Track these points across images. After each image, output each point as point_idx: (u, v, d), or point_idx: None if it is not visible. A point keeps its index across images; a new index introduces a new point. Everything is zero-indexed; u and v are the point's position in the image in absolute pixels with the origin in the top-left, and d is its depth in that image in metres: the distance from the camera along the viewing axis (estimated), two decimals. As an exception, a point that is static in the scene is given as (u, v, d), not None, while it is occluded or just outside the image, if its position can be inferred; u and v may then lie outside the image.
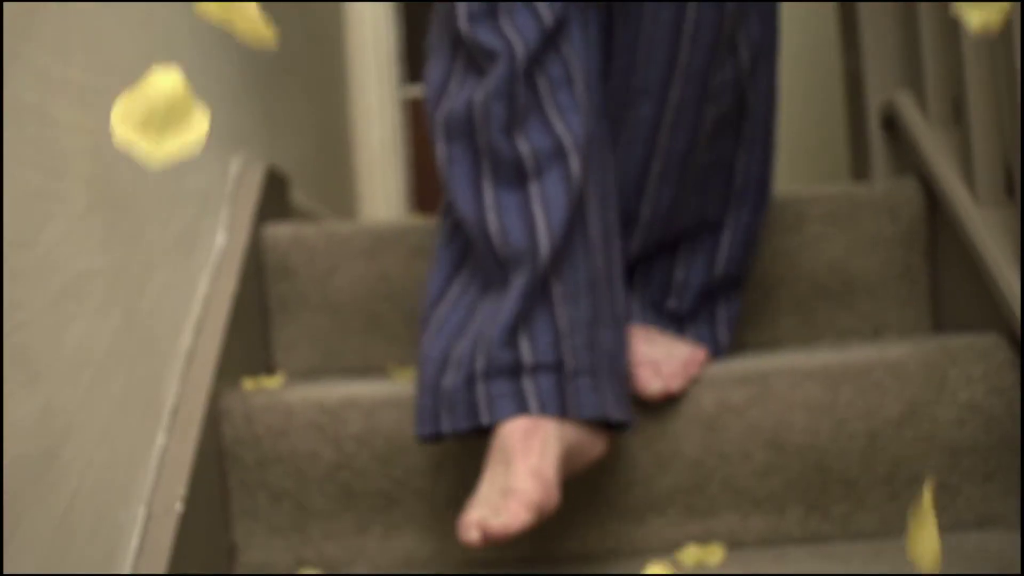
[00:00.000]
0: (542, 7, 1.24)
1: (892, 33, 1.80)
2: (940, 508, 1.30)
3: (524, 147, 1.21)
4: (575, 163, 1.20)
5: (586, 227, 1.21)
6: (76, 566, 0.97)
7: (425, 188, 3.93)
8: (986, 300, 1.39)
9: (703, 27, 1.27)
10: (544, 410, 1.14)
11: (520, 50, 1.22)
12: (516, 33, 1.23)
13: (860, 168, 1.92)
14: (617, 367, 1.21)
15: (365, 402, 1.31)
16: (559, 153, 1.20)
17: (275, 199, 1.71)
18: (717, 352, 1.38)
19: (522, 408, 1.14)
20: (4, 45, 0.91)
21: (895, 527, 1.30)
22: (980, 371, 1.31)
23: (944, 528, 1.30)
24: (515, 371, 1.15)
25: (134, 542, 1.10)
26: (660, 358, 1.30)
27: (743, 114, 1.34)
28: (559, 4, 1.25)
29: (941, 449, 1.30)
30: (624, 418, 1.20)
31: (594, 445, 1.19)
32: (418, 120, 4.07)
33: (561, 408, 1.14)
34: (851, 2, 1.89)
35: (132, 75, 1.20)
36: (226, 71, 1.58)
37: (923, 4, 1.63)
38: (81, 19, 1.07)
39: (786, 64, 1.88)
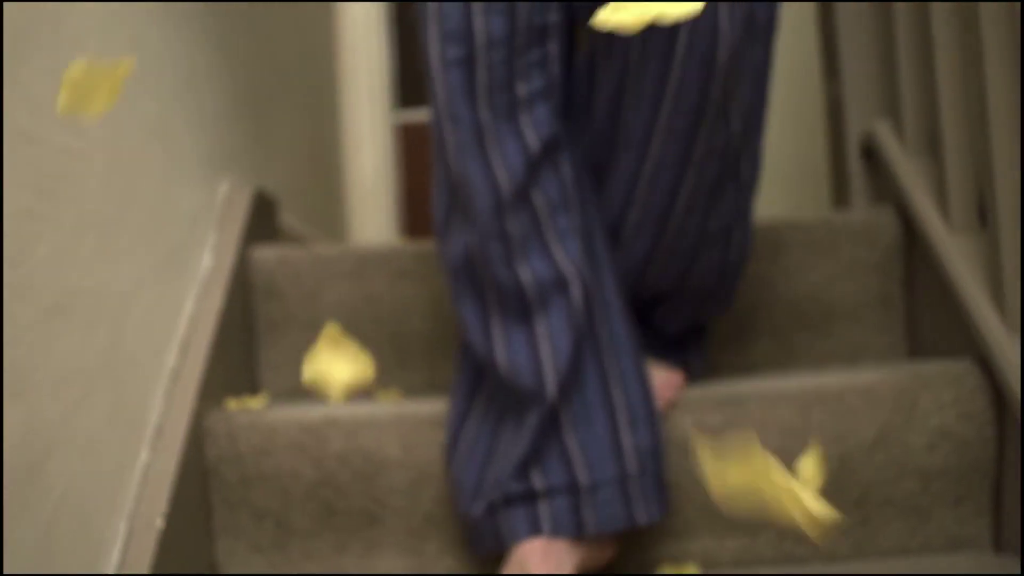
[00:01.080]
0: (529, 132, 1.24)
1: (871, 63, 1.83)
2: (911, 531, 1.32)
3: (526, 276, 1.23)
4: (576, 292, 1.23)
5: (596, 340, 1.24)
6: (62, 566, 0.99)
7: (416, 213, 3.96)
8: (959, 326, 1.41)
9: (687, 85, 1.21)
10: (558, 532, 1.20)
11: (505, 184, 1.23)
12: (503, 164, 1.23)
13: (840, 196, 1.95)
14: (656, 453, 1.24)
15: (346, 422, 1.33)
16: (560, 283, 1.23)
17: (263, 222, 1.74)
18: (691, 375, 1.41)
19: (536, 530, 1.20)
20: (4, 69, 0.94)
21: (867, 550, 1.32)
22: (951, 396, 1.33)
23: (916, 551, 1.32)
24: (530, 498, 1.21)
25: (115, 556, 1.12)
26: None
27: (738, 184, 1.31)
28: (547, 122, 1.25)
29: (912, 473, 1.32)
30: (652, 516, 1.23)
31: (606, 549, 1.24)
32: (410, 145, 4.10)
33: (576, 528, 1.20)
34: (831, 33, 1.92)
35: (121, 98, 1.23)
36: (214, 94, 1.61)
37: (901, 36, 1.66)
38: (72, 45, 1.10)
39: (772, 95, 1.91)
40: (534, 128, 1.25)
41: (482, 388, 1.29)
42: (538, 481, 1.21)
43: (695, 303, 1.36)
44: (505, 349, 1.23)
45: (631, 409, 1.24)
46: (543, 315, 1.23)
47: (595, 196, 1.30)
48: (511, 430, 1.23)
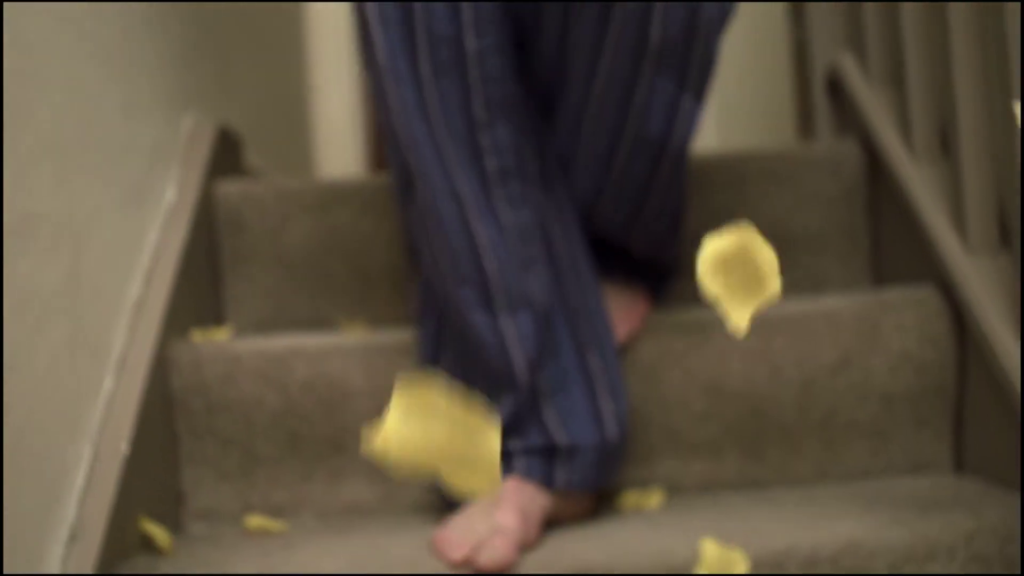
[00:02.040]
0: (477, 88, 1.21)
1: (837, -2, 1.83)
2: (874, 453, 1.34)
3: (481, 238, 1.21)
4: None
5: (566, 306, 1.24)
6: (23, 496, 0.99)
7: (384, 149, 3.94)
8: (921, 253, 1.42)
9: (628, 29, 1.17)
10: (530, 476, 1.20)
11: (450, 145, 1.21)
12: (444, 122, 1.20)
13: (805, 129, 1.95)
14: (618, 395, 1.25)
15: (311, 351, 1.33)
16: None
17: (227, 159, 1.73)
18: (655, 302, 1.41)
19: (510, 472, 1.20)
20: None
21: (830, 473, 1.34)
22: (913, 321, 1.34)
23: (878, 473, 1.33)
24: (504, 455, 1.21)
25: (80, 479, 1.12)
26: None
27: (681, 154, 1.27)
28: (500, 78, 1.22)
29: (874, 396, 1.33)
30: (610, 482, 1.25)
31: (581, 503, 1.24)
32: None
33: (547, 480, 1.20)
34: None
35: (77, 29, 1.22)
36: (177, 30, 1.60)
37: (866, -31, 1.66)
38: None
39: (735, 27, 1.91)
40: (483, 84, 1.21)
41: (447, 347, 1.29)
42: (515, 445, 1.21)
43: (657, 226, 1.34)
44: (470, 333, 1.22)
45: (609, 374, 1.24)
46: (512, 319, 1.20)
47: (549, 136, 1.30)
48: (482, 393, 1.23)
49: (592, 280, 1.28)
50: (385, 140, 1.28)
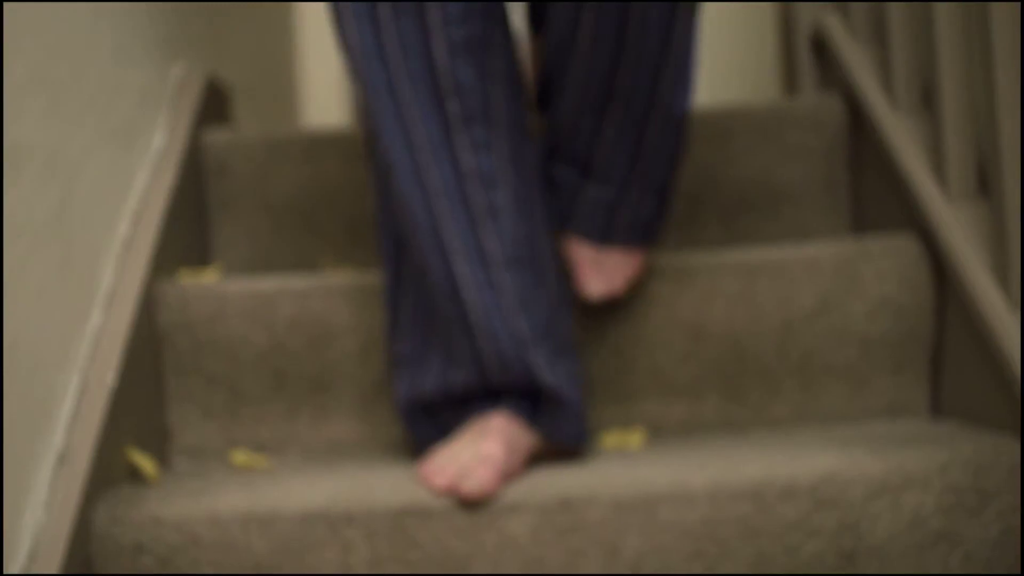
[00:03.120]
0: (438, 29, 1.21)
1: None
2: (851, 397, 1.35)
3: (435, 184, 1.22)
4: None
5: (532, 247, 1.24)
6: (12, 420, 1.00)
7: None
8: (902, 202, 1.44)
9: None
10: (518, 414, 1.22)
11: (407, 88, 1.20)
12: (404, 65, 1.20)
13: (790, 86, 1.97)
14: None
15: (297, 291, 1.35)
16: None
17: (216, 109, 1.74)
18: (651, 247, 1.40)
19: (498, 409, 1.22)
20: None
21: (808, 415, 1.35)
22: (892, 267, 1.36)
23: (855, 416, 1.35)
24: (495, 395, 1.23)
25: (68, 407, 1.14)
26: (602, 259, 1.33)
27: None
28: (463, 18, 1.21)
29: (853, 340, 1.35)
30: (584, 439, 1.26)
31: (564, 445, 1.25)
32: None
33: (532, 420, 1.22)
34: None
35: (70, -39, 1.23)
36: (167, -22, 1.61)
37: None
38: None
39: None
40: (444, 26, 1.20)
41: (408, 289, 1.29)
42: (503, 384, 1.22)
43: (655, 165, 1.31)
44: (426, 276, 1.23)
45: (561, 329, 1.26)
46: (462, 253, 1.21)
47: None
48: (445, 338, 1.24)
49: (548, 234, 1.28)
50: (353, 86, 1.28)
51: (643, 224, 1.33)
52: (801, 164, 1.62)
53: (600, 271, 1.32)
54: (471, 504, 1.09)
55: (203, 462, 1.34)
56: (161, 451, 1.33)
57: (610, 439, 1.32)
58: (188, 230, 1.52)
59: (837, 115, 1.63)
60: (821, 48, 1.80)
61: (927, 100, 1.49)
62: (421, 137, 1.19)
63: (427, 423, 1.25)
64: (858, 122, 1.61)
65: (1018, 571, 1.11)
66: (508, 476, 1.13)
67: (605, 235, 1.32)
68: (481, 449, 1.14)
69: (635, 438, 1.31)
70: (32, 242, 1.08)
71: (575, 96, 1.27)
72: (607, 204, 1.31)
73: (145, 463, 1.21)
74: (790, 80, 1.95)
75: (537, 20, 1.40)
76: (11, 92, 1.05)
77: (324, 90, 3.40)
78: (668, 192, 1.34)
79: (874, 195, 1.56)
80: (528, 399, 1.22)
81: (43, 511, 1.06)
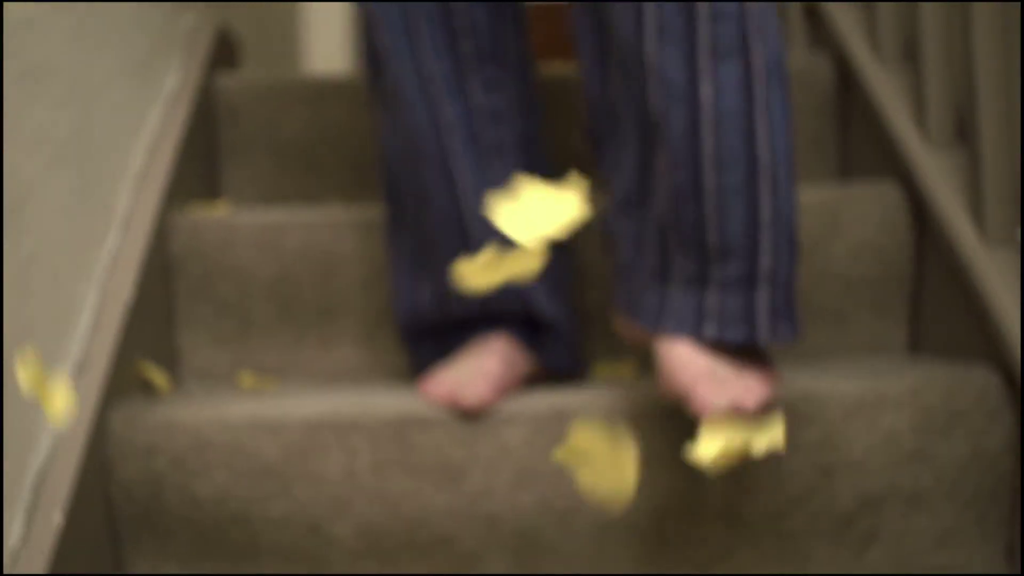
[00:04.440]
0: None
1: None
2: (833, 335, 1.42)
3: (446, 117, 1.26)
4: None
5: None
6: (34, 326, 1.06)
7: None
8: (885, 150, 1.50)
9: None
10: (518, 337, 1.28)
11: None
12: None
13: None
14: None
15: (304, 222, 1.41)
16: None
17: (226, 56, 1.80)
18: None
19: (499, 329, 1.28)
20: None
21: (791, 352, 1.41)
22: (874, 211, 1.42)
23: (837, 352, 1.41)
24: (497, 318, 1.28)
25: (86, 319, 1.19)
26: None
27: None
28: None
29: (836, 281, 1.41)
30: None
31: (540, 370, 1.31)
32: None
33: (530, 344, 1.28)
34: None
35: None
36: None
37: None
38: None
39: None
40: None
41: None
42: (505, 311, 1.27)
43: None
44: (432, 210, 1.27)
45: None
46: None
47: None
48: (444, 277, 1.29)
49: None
50: (359, 27, 1.33)
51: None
52: (792, 121, 1.68)
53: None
54: (469, 414, 1.14)
55: (212, 383, 1.40)
56: (171, 373, 1.39)
57: (603, 369, 1.38)
58: (199, 167, 1.57)
59: (826, 73, 1.69)
60: (811, 11, 1.87)
61: (910, 55, 1.56)
62: (435, 74, 1.24)
63: (428, 345, 1.31)
64: (846, 80, 1.67)
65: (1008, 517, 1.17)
66: (505, 391, 1.19)
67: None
68: (480, 365, 1.20)
69: (627, 368, 1.37)
70: (55, 156, 1.14)
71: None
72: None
73: (158, 376, 1.27)
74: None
75: None
76: (40, 9, 1.11)
77: (326, 40, 3.46)
78: None
79: (860, 147, 1.62)
80: (527, 326, 1.28)
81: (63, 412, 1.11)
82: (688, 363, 1.05)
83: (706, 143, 1.06)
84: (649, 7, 1.08)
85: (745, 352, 1.09)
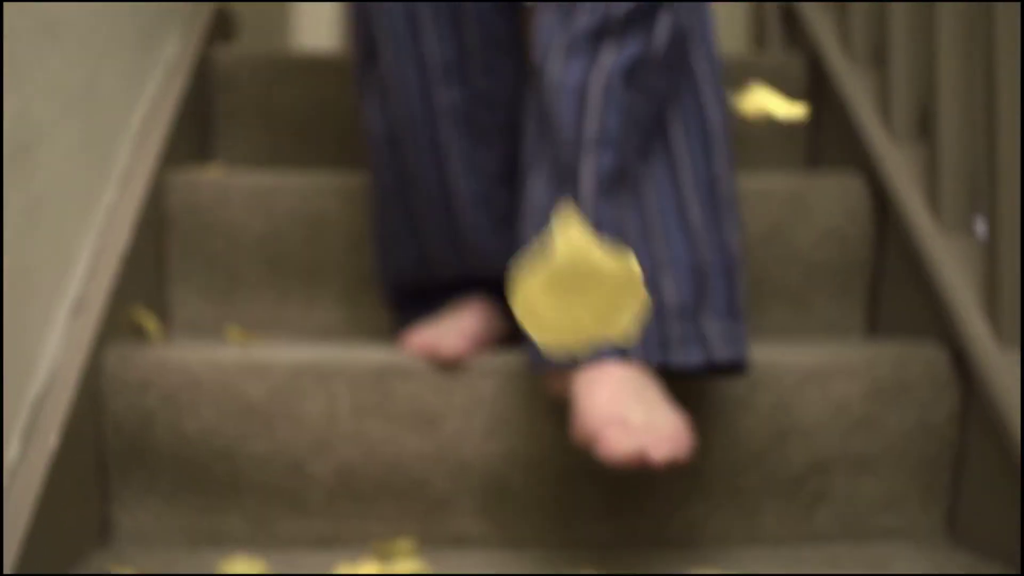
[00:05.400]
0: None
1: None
2: (795, 316, 1.49)
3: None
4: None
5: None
6: (36, 269, 1.12)
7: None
8: (852, 143, 1.58)
9: None
10: (496, 302, 1.34)
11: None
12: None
13: (760, 48, 2.11)
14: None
15: (295, 185, 1.47)
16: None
17: (223, 30, 1.86)
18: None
19: (478, 295, 1.34)
20: None
21: (755, 330, 1.48)
22: (838, 200, 1.49)
23: (798, 331, 1.49)
24: (475, 283, 1.35)
25: (84, 263, 1.25)
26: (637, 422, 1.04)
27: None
28: None
29: (799, 265, 1.48)
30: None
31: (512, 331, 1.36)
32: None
33: (504, 310, 1.34)
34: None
35: None
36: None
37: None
38: None
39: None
40: None
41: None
42: (482, 275, 1.33)
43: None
44: (421, 189, 1.31)
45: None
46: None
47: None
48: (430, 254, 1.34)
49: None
50: (349, 9, 1.36)
51: None
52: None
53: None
54: (446, 366, 1.21)
55: (199, 336, 1.46)
56: (161, 324, 1.44)
57: (573, 338, 1.44)
58: (195, 131, 1.64)
59: (800, 70, 1.77)
60: (789, 13, 1.94)
61: (879, 56, 1.63)
62: (435, 60, 1.28)
63: (410, 306, 1.37)
64: (818, 78, 1.75)
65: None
66: (481, 347, 1.26)
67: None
68: (458, 322, 1.26)
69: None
70: (65, 105, 1.20)
71: None
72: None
73: (150, 322, 1.33)
74: (759, 43, 2.08)
75: None
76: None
77: (315, 17, 3.55)
78: None
79: (830, 140, 1.69)
80: (504, 291, 1.34)
81: (59, 348, 1.17)
82: (599, 406, 1.03)
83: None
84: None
85: (663, 398, 1.07)
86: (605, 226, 1.10)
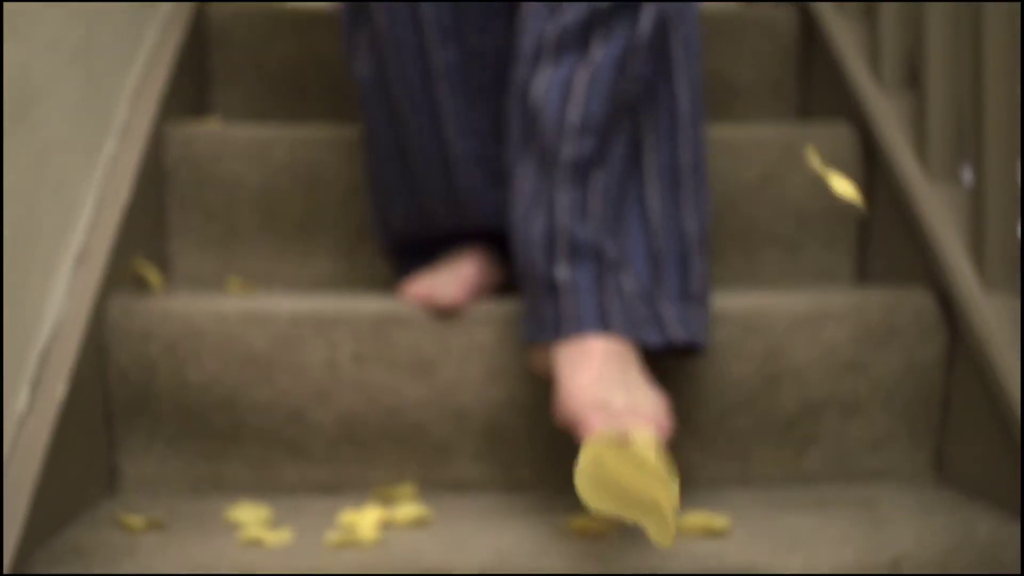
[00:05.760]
0: None
1: None
2: (787, 263, 1.51)
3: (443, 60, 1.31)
4: None
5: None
6: (41, 221, 1.14)
7: None
8: (842, 93, 1.59)
9: None
10: (492, 251, 1.36)
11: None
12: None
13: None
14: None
15: (291, 137, 1.49)
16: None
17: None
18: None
19: (474, 246, 1.36)
20: None
21: (747, 277, 1.51)
22: (828, 148, 1.51)
23: (789, 278, 1.51)
24: (472, 235, 1.36)
25: (87, 215, 1.27)
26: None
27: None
28: None
29: (791, 212, 1.51)
30: None
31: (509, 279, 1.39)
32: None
33: (502, 261, 1.37)
34: None
35: None
36: None
37: None
38: None
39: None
40: None
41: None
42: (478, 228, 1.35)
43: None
44: (417, 151, 1.34)
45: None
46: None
47: None
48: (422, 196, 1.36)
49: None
50: None
51: None
52: (755, 65, 1.77)
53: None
54: (443, 313, 1.23)
55: (199, 288, 1.48)
56: (163, 273, 1.47)
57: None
58: (192, 85, 1.65)
59: (790, 22, 1.79)
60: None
61: (869, 6, 1.65)
62: (431, 21, 1.29)
63: (408, 254, 1.40)
64: (809, 30, 1.76)
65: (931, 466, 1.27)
66: (478, 295, 1.28)
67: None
68: (455, 271, 1.29)
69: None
70: (67, 59, 1.21)
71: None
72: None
73: (151, 274, 1.35)
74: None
75: None
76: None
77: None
78: None
79: (820, 91, 1.71)
80: (502, 243, 1.37)
81: (64, 300, 1.19)
82: (583, 389, 1.05)
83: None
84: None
85: (642, 377, 1.10)
86: (578, 212, 1.13)
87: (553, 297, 1.11)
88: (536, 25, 1.20)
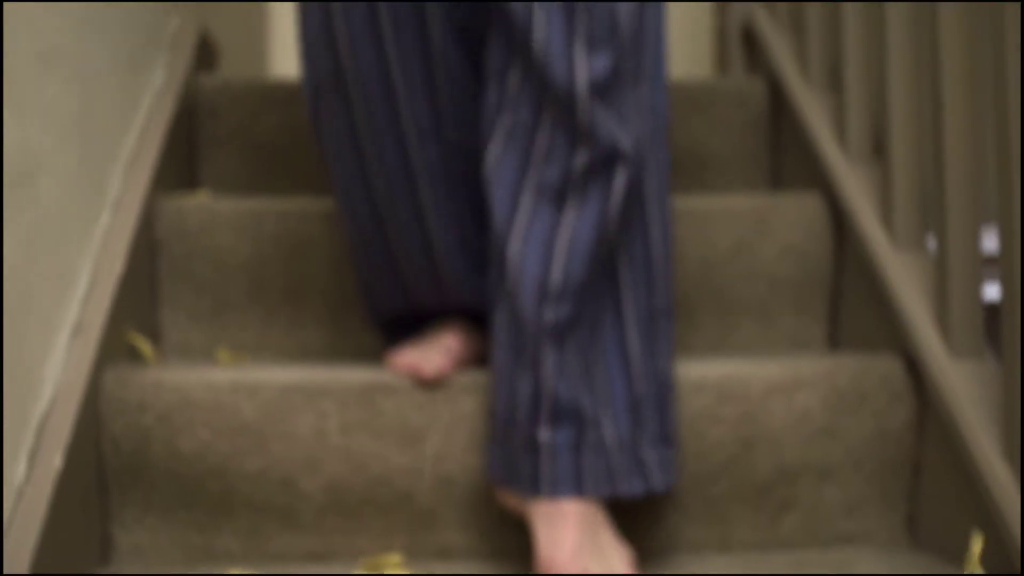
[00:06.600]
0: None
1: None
2: (760, 331, 1.56)
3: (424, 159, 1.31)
4: None
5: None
6: (38, 292, 1.17)
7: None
8: (810, 164, 1.65)
9: None
10: (474, 325, 1.39)
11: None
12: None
13: (722, 72, 2.18)
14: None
15: (280, 210, 1.53)
16: None
17: (206, 58, 1.92)
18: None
19: (457, 318, 1.39)
20: None
21: (721, 345, 1.55)
22: (798, 218, 1.56)
23: (762, 346, 1.56)
24: (454, 311, 1.39)
25: (82, 287, 1.31)
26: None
27: None
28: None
29: (763, 279, 1.56)
30: None
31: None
32: None
33: (484, 333, 1.39)
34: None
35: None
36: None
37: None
38: None
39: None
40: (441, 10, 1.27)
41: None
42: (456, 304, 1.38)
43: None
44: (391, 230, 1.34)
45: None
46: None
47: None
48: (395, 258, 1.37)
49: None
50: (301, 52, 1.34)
51: None
52: (728, 136, 1.83)
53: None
54: (429, 383, 1.27)
55: (190, 358, 1.51)
56: (155, 344, 1.50)
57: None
58: (183, 157, 1.69)
59: (760, 94, 1.85)
60: (750, 39, 2.02)
61: (835, 80, 1.71)
62: (410, 124, 1.29)
63: (394, 326, 1.43)
64: (778, 101, 1.82)
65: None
66: (462, 366, 1.32)
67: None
68: (440, 342, 1.33)
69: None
70: (63, 134, 1.25)
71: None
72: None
73: (144, 346, 1.39)
74: (722, 67, 2.16)
75: None
76: (39, 7, 1.23)
77: (293, 46, 3.61)
78: None
79: (790, 162, 1.77)
80: (483, 318, 1.40)
81: (61, 370, 1.22)
82: (564, 559, 1.14)
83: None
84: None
85: (613, 537, 1.19)
86: (560, 372, 1.18)
87: (533, 455, 1.18)
88: (508, 178, 1.22)
